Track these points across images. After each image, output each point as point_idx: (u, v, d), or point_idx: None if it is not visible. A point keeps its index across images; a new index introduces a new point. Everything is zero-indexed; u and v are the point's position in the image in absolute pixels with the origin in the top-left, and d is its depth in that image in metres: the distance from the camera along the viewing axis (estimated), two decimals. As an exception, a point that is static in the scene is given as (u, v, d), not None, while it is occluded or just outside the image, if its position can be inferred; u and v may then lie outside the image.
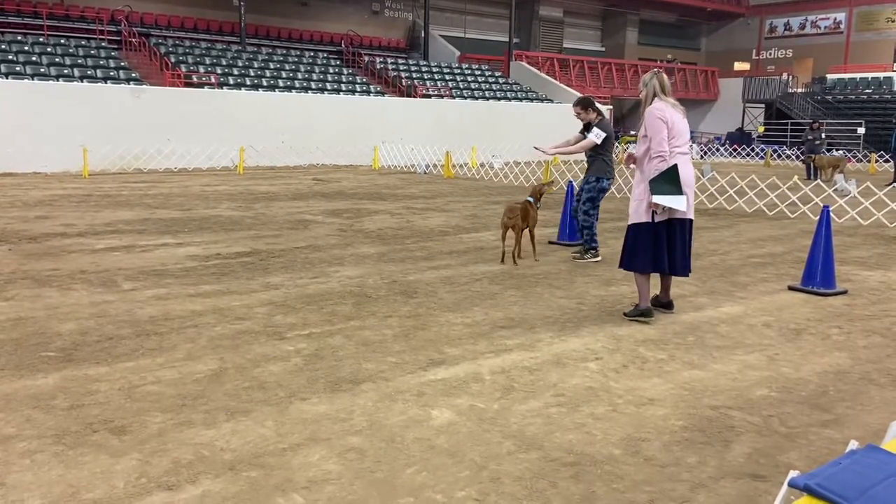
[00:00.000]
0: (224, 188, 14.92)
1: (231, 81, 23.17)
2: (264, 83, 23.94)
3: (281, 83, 24.35)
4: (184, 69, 22.71)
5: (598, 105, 7.95)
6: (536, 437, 3.37)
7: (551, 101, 30.16)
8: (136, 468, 2.99)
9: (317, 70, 26.56)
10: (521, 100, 29.72)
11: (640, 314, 5.47)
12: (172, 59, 23.18)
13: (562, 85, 31.31)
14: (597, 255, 7.88)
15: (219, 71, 23.58)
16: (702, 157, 31.66)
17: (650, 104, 5.36)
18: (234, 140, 20.34)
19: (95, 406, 3.63)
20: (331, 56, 29.15)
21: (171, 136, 19.60)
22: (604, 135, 7.62)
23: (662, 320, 5.47)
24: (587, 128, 7.86)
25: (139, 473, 2.95)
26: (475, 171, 20.70)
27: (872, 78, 35.81)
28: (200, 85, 22.20)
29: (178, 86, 21.65)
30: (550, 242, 8.96)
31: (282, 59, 26.53)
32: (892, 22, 39.36)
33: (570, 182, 9.27)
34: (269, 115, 21.69)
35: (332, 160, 22.71)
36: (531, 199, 7.68)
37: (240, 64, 24.81)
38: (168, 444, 3.23)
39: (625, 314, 5.57)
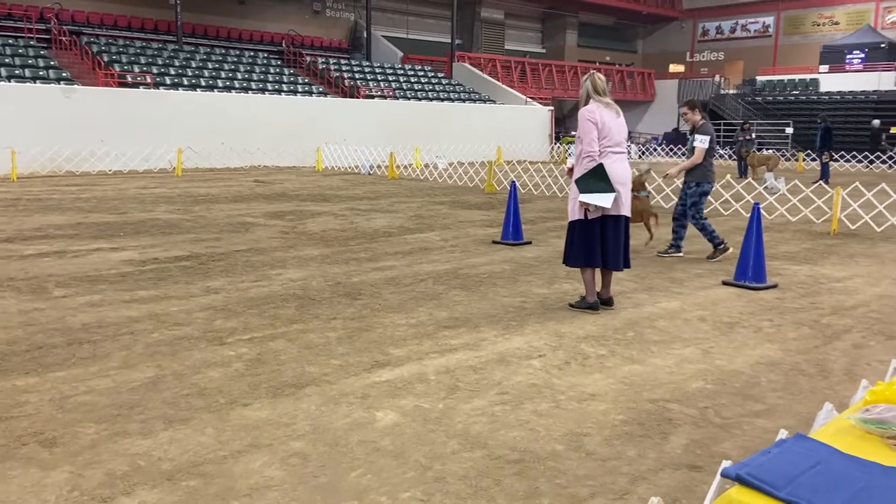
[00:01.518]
0: (161, 191, 14.52)
1: (168, 81, 22.57)
2: (203, 83, 23.40)
3: (220, 83, 23.85)
4: (117, 68, 22.00)
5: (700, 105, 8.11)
6: (481, 436, 3.39)
7: (494, 101, 30.42)
8: (67, 481, 2.88)
9: (257, 70, 26.12)
10: (464, 101, 29.87)
11: (586, 307, 5.69)
12: (105, 59, 22.44)
13: (504, 86, 31.61)
14: (725, 250, 8.10)
15: (154, 70, 22.94)
16: (640, 156, 32.44)
17: (584, 105, 5.51)
18: (172, 141, 19.83)
19: (24, 418, 3.48)
20: (271, 56, 28.70)
21: (105, 138, 18.97)
22: (707, 138, 7.65)
23: (603, 316, 5.57)
24: (693, 130, 8.04)
25: (71, 487, 2.84)
26: (419, 171, 20.69)
27: (800, 79, 37.31)
28: (135, 85, 21.56)
29: (111, 86, 20.97)
30: (494, 242, 9.03)
31: (221, 58, 25.99)
32: (818, 26, 41.12)
33: (514, 182, 9.36)
34: (209, 115, 21.22)
35: (274, 161, 22.37)
36: (635, 193, 7.97)
37: (176, 63, 24.19)
38: (102, 455, 3.12)
39: (570, 305, 5.77)
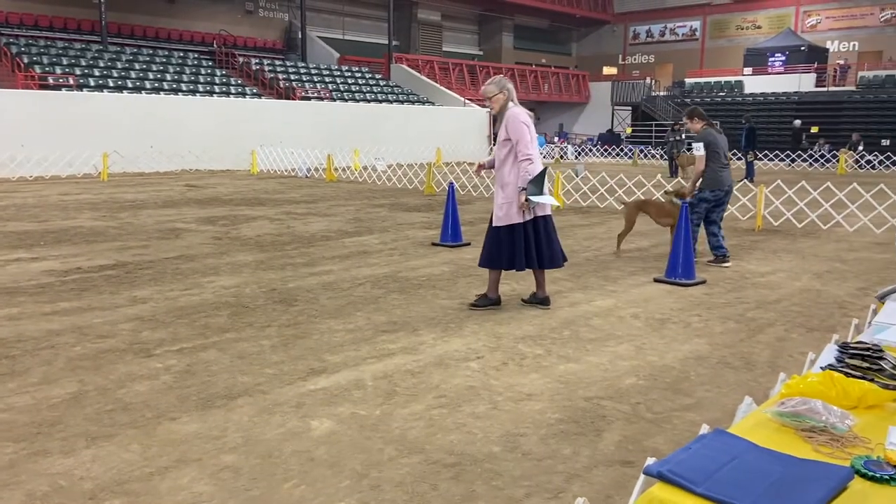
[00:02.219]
0: (86, 197, 13.98)
1: (92, 83, 21.76)
2: (129, 84, 22.66)
3: (148, 84, 23.14)
4: (38, 70, 21.09)
5: (703, 113, 7.85)
6: (418, 441, 3.37)
7: (433, 103, 30.47)
8: (-20, 507, 2.73)
9: (187, 71, 25.44)
10: (402, 102, 29.81)
11: (491, 303, 5.82)
12: (25, 60, 21.48)
13: (442, 88, 31.71)
14: (724, 261, 7.78)
15: (78, 72, 22.09)
16: (576, 157, 33.04)
17: (508, 108, 5.55)
18: (97, 145, 19.12)
19: (-67, 442, 3.28)
20: (202, 56, 28.01)
21: (26, 142, 18.14)
22: (701, 144, 7.48)
23: (540, 316, 5.63)
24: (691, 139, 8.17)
25: (-16, 513, 2.69)
26: (358, 174, 20.54)
27: (725, 81, 38.67)
28: (57, 87, 20.70)
29: (32, 88, 20.07)
30: (433, 244, 9.03)
31: (148, 59, 25.22)
32: (742, 29, 42.72)
33: (452, 183, 9.38)
34: (136, 118, 20.55)
35: (206, 165, 21.82)
36: (675, 200, 7.95)
37: (101, 64, 23.35)
38: (21, 475, 2.97)
39: (474, 305, 5.82)
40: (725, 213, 7.87)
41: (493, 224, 5.68)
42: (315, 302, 6.00)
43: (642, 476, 1.58)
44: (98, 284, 6.52)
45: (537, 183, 5.46)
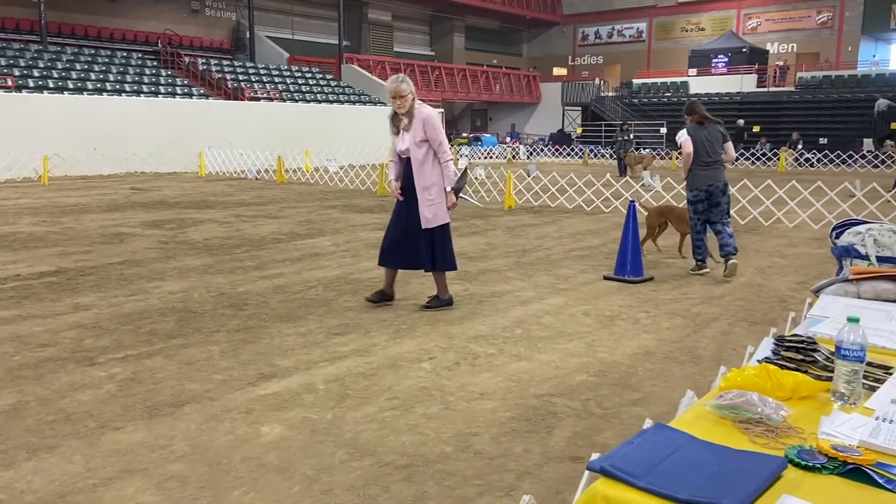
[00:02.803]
0: (25, 201, 13.51)
1: (31, 84, 21.04)
2: (71, 85, 21.98)
3: (90, 85, 22.49)
4: (-28, 69, 20.29)
5: (699, 108, 7.13)
6: (370, 444, 3.36)
7: (384, 104, 30.35)
8: (-89, 527, 2.62)
9: (131, 71, 24.82)
10: (353, 103, 29.64)
11: (446, 303, 5.87)
12: (-43, 58, 20.65)
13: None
14: (702, 267, 7.30)
15: (17, 73, 21.33)
16: (528, 157, 33.36)
17: (416, 108, 5.53)
18: (37, 148, 18.50)
19: None
20: (146, 56, 27.35)
21: (-40, 145, 17.45)
22: (682, 132, 7.12)
23: (493, 316, 5.67)
24: None
25: (-85, 533, 2.58)
26: (309, 175, 20.34)
27: (671, 82, 39.59)
28: (-7, 87, 19.95)
29: (-35, 88, 19.30)
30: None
31: (90, 59, 24.51)
32: (686, 31, 43.77)
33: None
34: (78, 119, 19.95)
35: (152, 168, 21.32)
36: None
37: (41, 65, 22.60)
38: (-46, 494, 2.86)
39: (428, 306, 5.84)
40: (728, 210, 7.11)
41: (424, 227, 5.57)
42: (265, 306, 5.92)
43: (586, 472, 1.61)
44: (38, 292, 6.31)
45: (462, 181, 5.72)
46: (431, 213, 5.59)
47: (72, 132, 19.68)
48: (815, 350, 2.22)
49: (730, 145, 7.06)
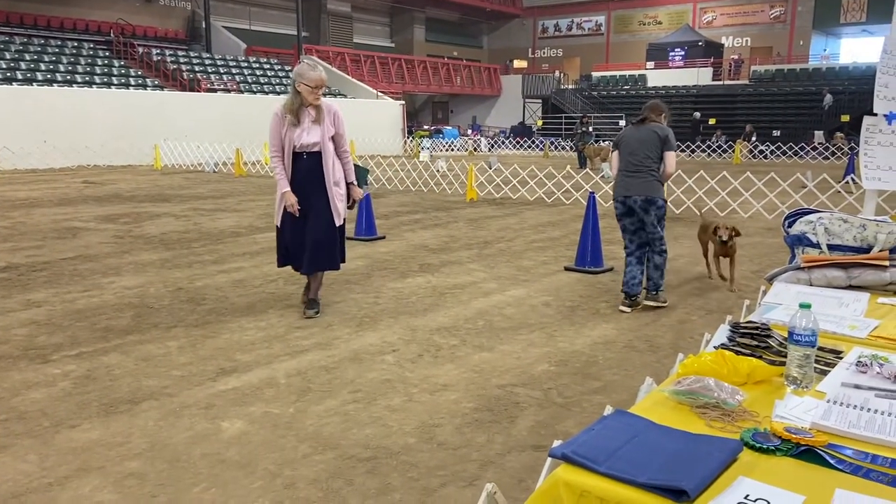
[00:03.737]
0: (-27, 195, 13.06)
1: (-24, 73, 20.32)
2: (19, 76, 21.29)
3: (40, 76, 21.81)
4: (-88, 58, 19.50)
5: (650, 106, 5.67)
6: (333, 437, 3.34)
7: (344, 95, 30.12)
8: None
9: (82, 62, 24.14)
10: (312, 95, 29.28)
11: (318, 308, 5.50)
12: None
13: (354, 80, 31.39)
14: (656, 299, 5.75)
15: (-41, 61, 20.57)
16: (489, 149, 33.46)
17: (323, 101, 5.24)
18: (-16, 140, 17.88)
19: None
20: (98, 46, 26.63)
21: None
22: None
23: (455, 307, 5.68)
24: None
25: None
26: (268, 168, 20.05)
27: (630, 75, 40.10)
28: (-64, 77, 19.22)
29: None
30: (348, 238, 8.92)
31: (39, 49, 23.77)
32: (644, 25, 44.34)
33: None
34: (28, 111, 19.35)
35: (106, 160, 20.80)
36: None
37: (-14, 53, 21.83)
38: None
39: (313, 314, 5.38)
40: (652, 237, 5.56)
41: (338, 223, 5.30)
42: (225, 300, 5.84)
43: (549, 459, 1.62)
44: (-14, 288, 6.11)
45: (361, 176, 5.65)
46: (343, 207, 5.32)
47: (21, 124, 19.07)
48: (769, 336, 2.27)
49: (670, 156, 5.42)
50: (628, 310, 5.58)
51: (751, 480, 1.49)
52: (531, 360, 4.46)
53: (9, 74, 21.11)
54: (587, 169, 19.83)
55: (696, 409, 1.83)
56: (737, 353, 2.16)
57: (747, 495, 1.44)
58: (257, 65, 30.28)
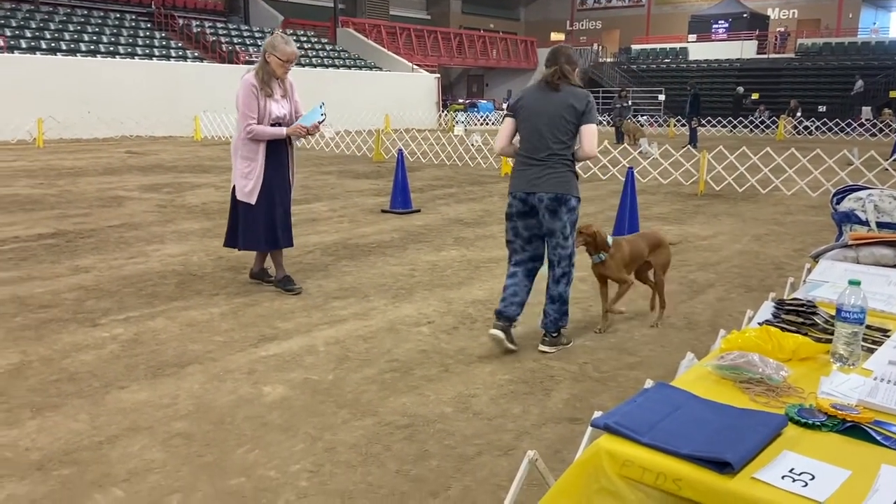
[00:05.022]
0: (21, 164, 13.40)
1: (24, 45, 20.72)
2: (63, 47, 21.66)
3: (83, 47, 22.16)
4: (-38, 29, 19.96)
5: (574, 58, 4.14)
6: (371, 404, 3.41)
7: (380, 68, 30.04)
8: (-79, 482, 2.66)
9: (125, 33, 24.45)
10: (349, 67, 29.31)
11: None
12: (-54, 18, 20.30)
13: (390, 53, 31.26)
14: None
15: (8, 33, 20.98)
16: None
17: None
18: (31, 110, 18.29)
19: None
20: (140, 18, 26.90)
21: (-49, 106, 17.25)
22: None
23: (490, 281, 5.69)
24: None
25: (-75, 487, 2.62)
26: (305, 140, 20.17)
27: (670, 48, 39.20)
28: (-16, 48, 19.65)
29: (-45, 48, 19.02)
30: (383, 211, 8.99)
31: (83, 20, 24.11)
32: (686, -3, 43.20)
33: (401, 150, 9.32)
34: (72, 82, 19.70)
35: (147, 131, 21.14)
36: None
37: (33, 26, 22.24)
38: (-39, 451, 2.89)
39: (290, 289, 5.26)
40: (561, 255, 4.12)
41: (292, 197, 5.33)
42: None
43: (589, 428, 1.64)
44: (38, 253, 6.31)
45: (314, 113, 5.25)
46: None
47: (66, 94, 19.44)
48: (814, 313, 2.25)
49: (590, 132, 3.93)
50: (501, 335, 3.98)
51: (795, 454, 1.49)
52: (567, 333, 4.45)
53: (53, 45, 21.49)
54: (625, 144, 19.55)
55: (740, 384, 1.82)
56: (782, 329, 2.14)
57: (792, 469, 1.44)
58: (294, 37, 30.27)
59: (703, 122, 26.07)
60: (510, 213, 4.10)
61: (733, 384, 1.84)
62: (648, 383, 1.93)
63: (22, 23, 22.08)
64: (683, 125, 22.39)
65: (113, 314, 4.66)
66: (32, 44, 21.03)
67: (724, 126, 28.22)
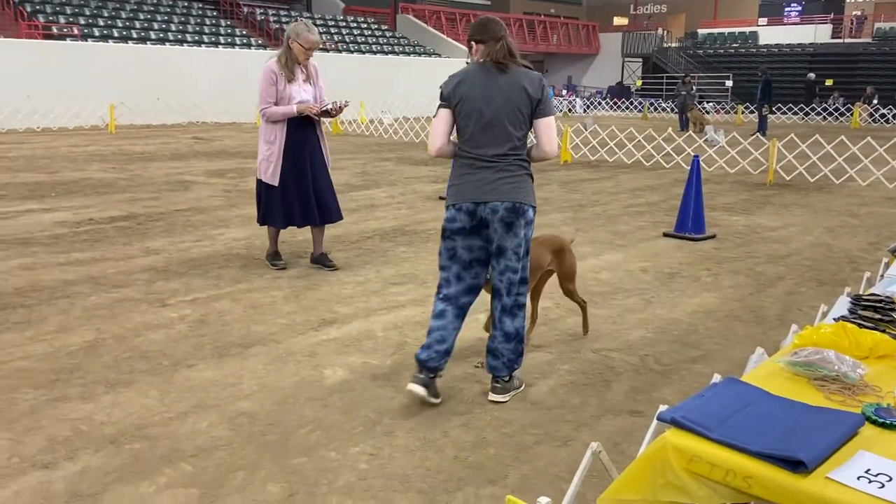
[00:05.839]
0: (94, 148, 13.95)
1: (96, 33, 21.49)
2: (134, 35, 22.37)
3: (153, 35, 22.84)
4: (42, 20, 20.81)
5: (493, 29, 3.33)
6: (429, 390, 3.42)
7: (439, 55, 30.01)
8: (6, 448, 2.81)
9: (192, 21, 25.08)
10: (408, 54, 29.38)
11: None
12: (28, 9, 21.18)
13: (449, 39, 31.18)
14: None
15: (82, 21, 21.80)
16: (585, 110, 32.64)
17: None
18: (104, 97, 18.97)
19: (-44, 387, 3.36)
20: (206, 6, 27.53)
21: (31, 93, 18.03)
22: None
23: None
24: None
25: (10, 454, 2.77)
26: (364, 127, 20.38)
27: (739, 32, 37.90)
28: (62, 37, 20.47)
29: (35, 38, 19.84)
30: (441, 198, 9.01)
31: (153, 9, 24.83)
32: (757, -21, 41.63)
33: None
34: (142, 69, 20.34)
35: (213, 118, 21.69)
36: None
37: (105, 14, 23.02)
38: (41, 421, 3.05)
39: (331, 266, 5.56)
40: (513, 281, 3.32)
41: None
42: (332, 259, 6.02)
43: (655, 421, 1.61)
44: (111, 235, 6.56)
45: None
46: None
47: (136, 81, 20.10)
48: (893, 310, 2.15)
49: (549, 126, 3.23)
50: (422, 391, 3.19)
51: (872, 455, 1.44)
52: (627, 325, 4.39)
53: (125, 34, 22.23)
54: (689, 132, 19.05)
55: (815, 382, 1.76)
56: (858, 326, 2.05)
57: (868, 469, 1.38)
58: (355, 24, 30.55)
59: (774, 109, 25.15)
60: (449, 231, 3.23)
61: (807, 381, 1.78)
62: (716, 378, 1.89)
63: (95, 12, 22.89)
64: (752, 112, 21.64)
65: (181, 295, 4.82)
66: (105, 32, 21.79)
67: (795, 114, 27.17)
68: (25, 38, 19.49)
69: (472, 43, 3.30)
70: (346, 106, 5.51)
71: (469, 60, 3.37)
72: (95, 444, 2.86)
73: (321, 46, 27.12)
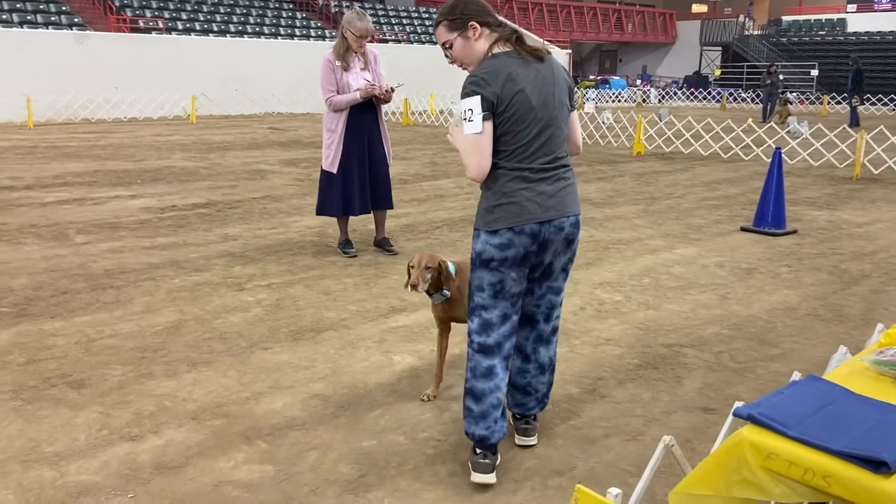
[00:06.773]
0: (176, 138, 14.53)
1: (180, 26, 22.31)
2: (215, 28, 23.12)
3: (232, 28, 23.56)
4: (129, 13, 21.77)
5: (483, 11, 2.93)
6: (497, 379, 3.44)
7: (510, 45, 29.79)
8: (96, 420, 2.98)
9: (269, 14, 25.73)
10: (479, 44, 29.26)
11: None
12: (117, 3, 22.18)
13: (520, 29, 30.92)
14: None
15: (166, 15, 22.68)
16: (659, 101, 31.85)
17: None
18: (186, 88, 19.71)
19: (52, 360, 3.58)
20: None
21: (119, 85, 18.91)
22: (465, 103, 2.52)
23: (619, 263, 5.57)
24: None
25: (100, 426, 2.94)
26: (434, 118, 20.48)
27: (826, 20, 36.15)
28: (148, 30, 21.35)
29: (123, 31, 20.78)
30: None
31: (232, 2, 25.59)
32: (847, -37, 39.56)
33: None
34: (222, 61, 21.02)
35: (288, 108, 22.22)
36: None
37: (188, 8, 23.87)
38: (129, 396, 3.22)
39: (391, 250, 5.74)
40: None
41: (389, 163, 5.67)
42: (394, 243, 6.11)
43: (731, 417, 1.58)
44: (192, 221, 6.84)
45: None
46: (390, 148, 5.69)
47: (216, 73, 20.79)
48: None
49: (575, 116, 2.74)
50: (493, 478, 2.55)
51: (965, 462, 1.37)
52: (701, 321, 4.29)
53: (206, 26, 23.00)
54: (771, 123, 18.35)
55: (902, 382, 1.69)
56: (952, 326, 1.95)
57: (960, 476, 1.32)
58: (426, 14, 30.69)
59: (864, 100, 23.93)
60: (499, 261, 2.54)
61: (892, 381, 1.71)
62: (796, 376, 1.83)
63: (179, 6, 23.76)
64: (839, 103, 20.63)
65: (257, 280, 4.99)
66: (188, 25, 22.59)
67: (885, 104, 25.77)
68: (114, 32, 20.42)
69: (473, 24, 2.76)
70: (399, 87, 5.68)
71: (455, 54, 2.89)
72: (178, 420, 3.00)
73: (396, 37, 27.35)
